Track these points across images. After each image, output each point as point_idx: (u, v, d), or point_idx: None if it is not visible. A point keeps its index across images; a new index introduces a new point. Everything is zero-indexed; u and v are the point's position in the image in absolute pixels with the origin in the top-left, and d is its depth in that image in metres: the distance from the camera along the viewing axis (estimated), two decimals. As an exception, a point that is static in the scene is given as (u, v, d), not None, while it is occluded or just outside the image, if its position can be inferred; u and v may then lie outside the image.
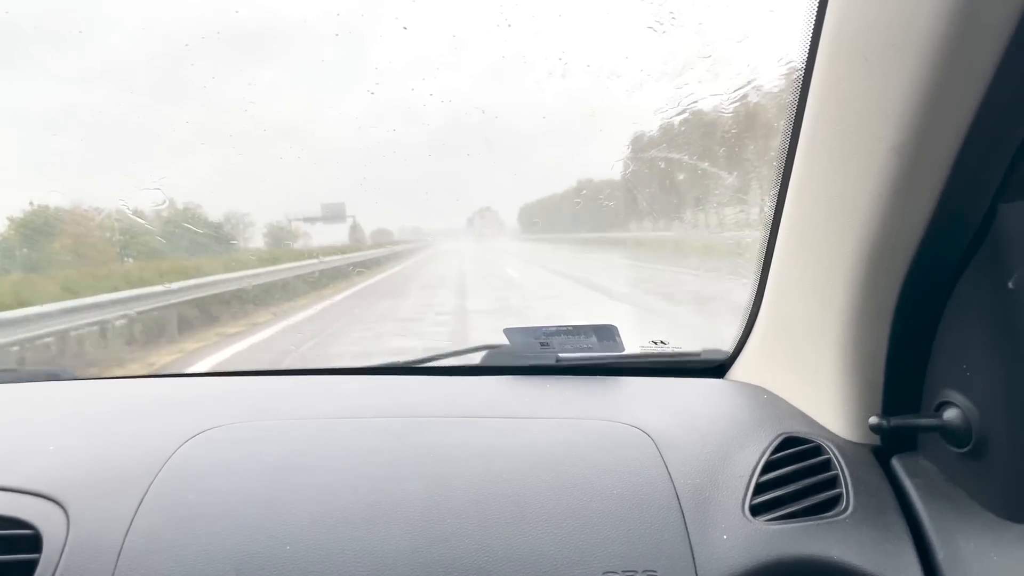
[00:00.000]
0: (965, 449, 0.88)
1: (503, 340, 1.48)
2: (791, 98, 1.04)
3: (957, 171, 0.77)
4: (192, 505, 0.98)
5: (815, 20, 0.93)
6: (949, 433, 0.90)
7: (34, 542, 0.93)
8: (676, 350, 1.49)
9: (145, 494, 1.00)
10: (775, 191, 1.16)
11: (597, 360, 1.44)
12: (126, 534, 0.94)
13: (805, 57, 0.97)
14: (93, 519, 0.96)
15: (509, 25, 1.53)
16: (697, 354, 1.50)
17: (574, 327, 1.43)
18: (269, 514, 0.96)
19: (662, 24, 1.41)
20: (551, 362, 1.45)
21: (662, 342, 1.50)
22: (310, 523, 0.95)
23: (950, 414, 0.90)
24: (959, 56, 0.70)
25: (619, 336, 1.41)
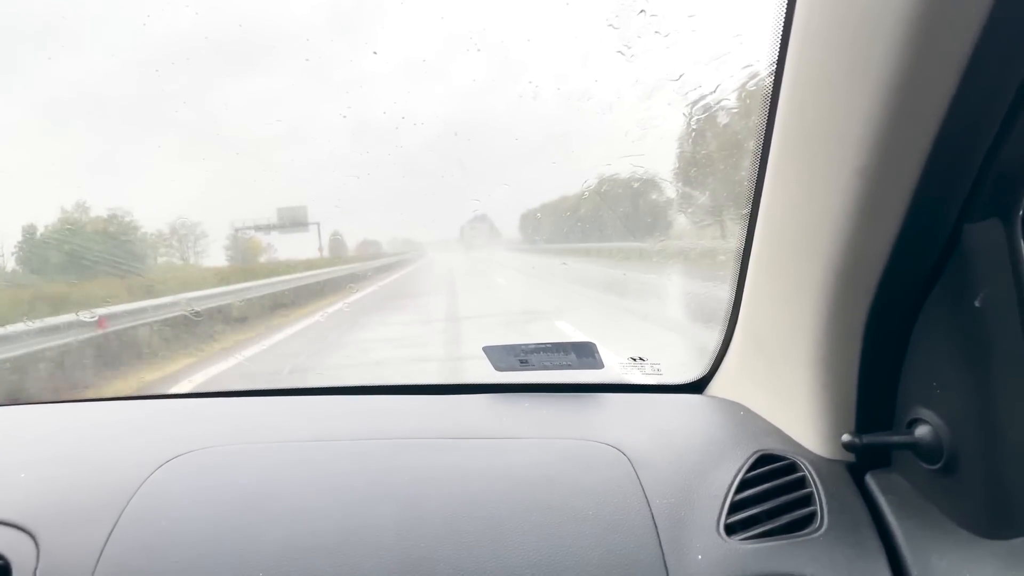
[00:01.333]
0: (937, 466, 0.89)
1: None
2: (759, 120, 1.05)
3: (921, 192, 0.78)
4: (164, 532, 0.97)
5: (780, 45, 0.95)
6: (921, 450, 0.91)
7: (3, 572, 0.92)
8: (654, 371, 1.50)
9: (117, 522, 0.98)
10: (747, 210, 1.17)
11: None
12: (96, 563, 0.92)
13: (771, 80, 0.99)
14: (63, 548, 0.95)
15: (479, 50, 1.55)
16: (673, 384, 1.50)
17: (553, 344, 1.44)
18: (242, 540, 0.95)
19: (630, 48, 1.43)
20: (529, 380, 1.45)
21: (640, 359, 1.51)
22: (283, 549, 0.93)
23: (921, 431, 0.91)
24: (920, 79, 0.71)
25: (598, 353, 1.42)
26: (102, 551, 0.94)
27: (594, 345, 1.42)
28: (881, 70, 0.73)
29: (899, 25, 0.69)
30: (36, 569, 0.92)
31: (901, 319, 0.92)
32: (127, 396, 1.54)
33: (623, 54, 1.42)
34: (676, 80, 1.44)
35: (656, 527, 0.96)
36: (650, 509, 0.99)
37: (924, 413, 0.91)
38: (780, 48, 0.94)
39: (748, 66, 1.04)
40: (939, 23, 0.67)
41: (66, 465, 1.14)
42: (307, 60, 1.76)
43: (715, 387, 1.44)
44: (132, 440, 1.24)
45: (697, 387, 1.47)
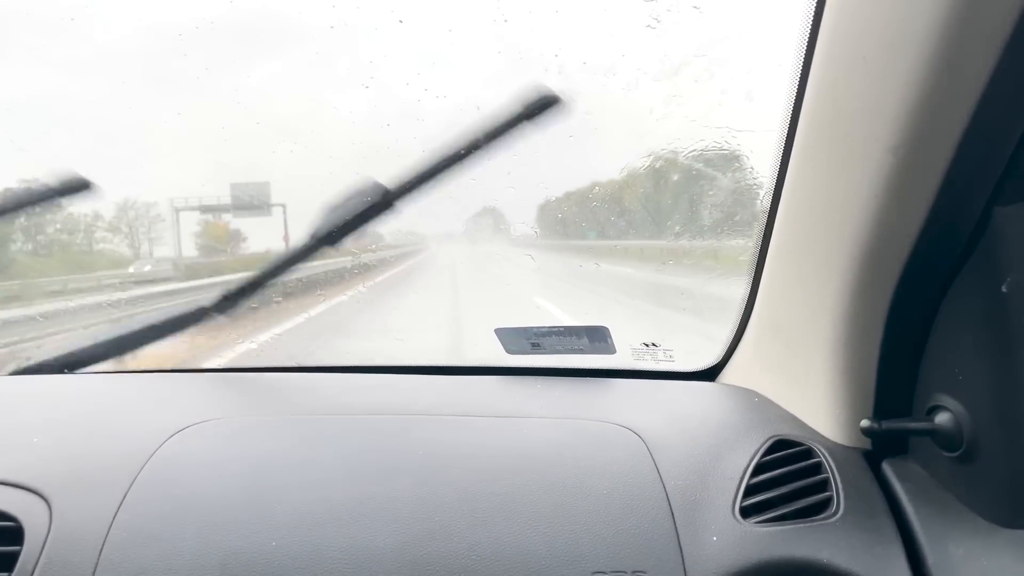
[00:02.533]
0: (956, 453, 0.88)
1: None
2: (787, 98, 1.03)
3: (953, 173, 0.76)
4: (177, 499, 0.97)
5: (812, 19, 0.93)
6: (940, 437, 0.90)
7: (15, 534, 0.92)
8: (667, 357, 1.50)
9: (130, 488, 0.98)
10: (769, 192, 1.16)
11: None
12: (109, 527, 0.93)
13: (802, 56, 0.97)
14: (76, 512, 0.95)
15: (505, 20, 1.52)
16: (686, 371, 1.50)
17: (566, 328, 1.43)
18: (255, 510, 0.95)
19: (659, 22, 1.40)
20: (542, 363, 1.45)
21: (653, 344, 1.50)
22: (297, 519, 0.94)
23: (941, 418, 0.90)
24: (957, 56, 0.69)
25: (611, 338, 1.41)
26: (115, 516, 0.94)
27: (607, 329, 1.41)
28: (920, 45, 0.71)
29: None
30: (48, 532, 0.92)
31: (925, 303, 0.91)
32: (141, 369, 1.54)
33: (652, 28, 1.39)
34: (703, 56, 1.42)
35: (671, 507, 0.96)
36: (665, 489, 0.99)
37: (944, 400, 0.90)
38: (813, 22, 0.93)
39: (779, 42, 1.02)
40: None
41: (80, 432, 1.15)
42: (332, 28, 1.74)
43: (728, 375, 1.43)
44: (146, 410, 1.25)
45: (710, 375, 1.47)
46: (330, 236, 1.32)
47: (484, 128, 1.25)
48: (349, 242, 1.32)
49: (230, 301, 1.42)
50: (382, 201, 1.29)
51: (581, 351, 1.43)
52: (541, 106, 1.23)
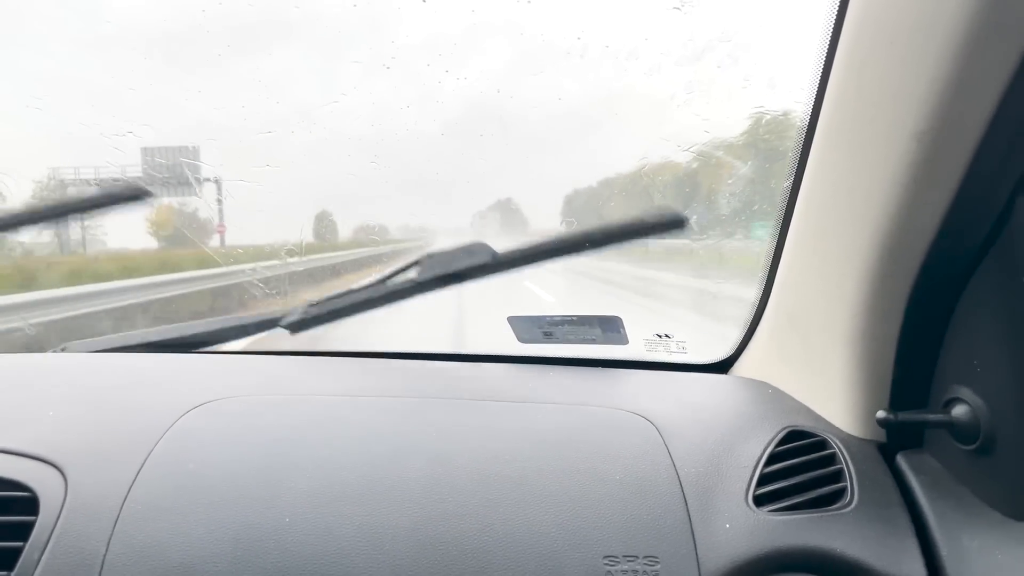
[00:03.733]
0: (972, 446, 0.87)
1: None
2: (811, 82, 1.02)
3: (978, 161, 0.75)
4: (191, 474, 0.98)
5: (839, 3, 0.92)
6: (957, 430, 0.89)
7: (31, 505, 0.93)
8: (679, 349, 1.49)
9: (145, 461, 0.99)
10: (788, 181, 1.15)
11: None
12: (124, 500, 0.93)
13: (827, 41, 0.96)
14: (91, 484, 0.96)
15: (529, 1, 1.52)
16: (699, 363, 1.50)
17: (579, 317, 1.43)
18: (269, 486, 0.96)
19: (685, 4, 1.39)
20: (554, 352, 1.45)
21: (666, 336, 1.50)
22: (309, 496, 0.94)
23: (958, 410, 0.89)
24: (986, 41, 0.68)
25: (623, 328, 1.41)
26: (129, 489, 0.95)
27: (620, 320, 1.41)
28: (949, 29, 0.70)
29: None
30: (64, 503, 0.93)
31: (945, 294, 0.90)
32: (158, 349, 1.55)
33: (679, 9, 1.38)
34: (727, 41, 1.41)
35: (684, 494, 0.96)
36: (678, 476, 0.98)
37: (962, 392, 0.89)
38: (840, 5, 0.91)
39: (804, 25, 1.01)
40: None
41: (95, 407, 1.16)
42: (355, 6, 1.74)
43: (741, 367, 1.43)
44: (162, 387, 1.25)
45: (723, 367, 1.47)
46: (430, 283, 1.30)
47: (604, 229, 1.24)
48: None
49: (306, 323, 1.40)
50: (492, 263, 1.27)
51: (593, 341, 1.43)
52: (668, 224, 1.21)
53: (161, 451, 1.02)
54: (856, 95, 0.90)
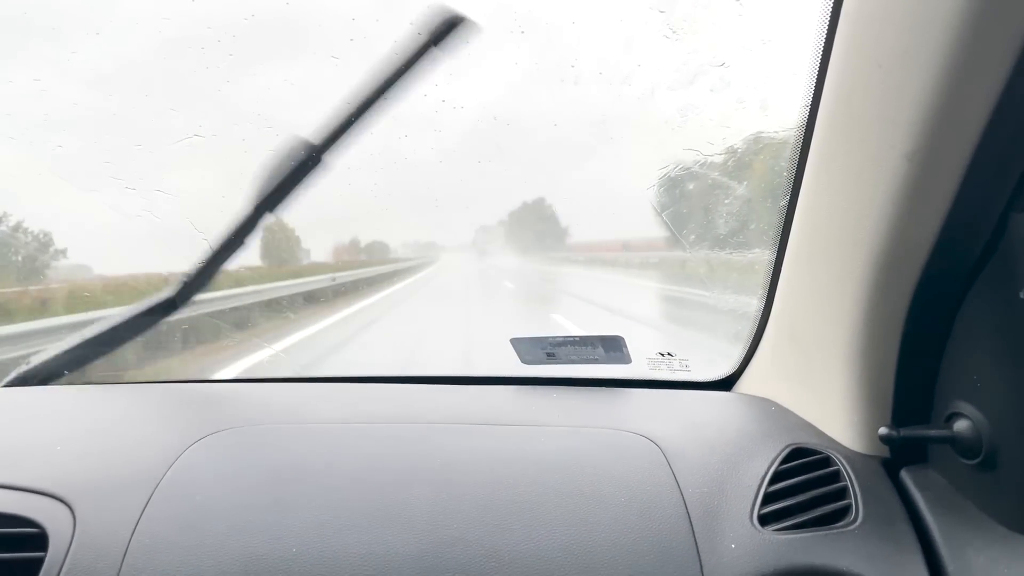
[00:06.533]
0: (975, 461, 0.87)
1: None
2: (802, 105, 1.04)
3: (970, 179, 0.76)
4: (199, 506, 0.98)
5: (828, 27, 0.93)
6: (959, 444, 0.90)
7: (40, 540, 0.93)
8: (683, 367, 1.49)
9: (152, 494, 1.00)
10: (784, 200, 1.16)
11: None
12: (132, 533, 0.94)
13: (817, 64, 0.98)
14: (99, 518, 0.96)
15: (522, 32, 1.54)
16: (702, 381, 1.50)
17: (581, 338, 1.43)
18: (276, 516, 0.96)
19: (675, 32, 1.41)
20: (557, 373, 1.45)
21: (669, 354, 1.50)
22: (317, 526, 0.94)
23: (960, 425, 0.89)
24: (973, 62, 0.70)
25: (626, 347, 1.41)
26: (137, 522, 0.95)
27: (622, 339, 1.41)
28: (936, 52, 0.71)
29: (955, 7, 0.68)
30: (72, 538, 0.93)
31: (943, 310, 0.90)
32: (162, 380, 1.56)
33: (668, 38, 1.40)
34: (720, 66, 1.43)
35: (689, 515, 0.96)
36: (683, 497, 0.99)
37: (963, 407, 0.89)
38: (828, 30, 0.93)
39: (794, 50, 1.03)
40: (995, 5, 0.66)
41: (102, 440, 1.16)
42: (351, 40, 1.76)
43: (744, 384, 1.43)
44: (167, 419, 1.26)
45: (726, 384, 1.46)
46: (269, 201, 1.33)
47: (395, 62, 1.26)
48: (286, 206, 1.32)
49: (188, 289, 1.43)
50: (310, 157, 1.30)
51: (596, 361, 1.43)
52: (446, 29, 1.24)
53: (168, 484, 1.02)
54: (847, 117, 0.92)
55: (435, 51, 1.25)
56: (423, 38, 1.24)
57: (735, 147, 1.61)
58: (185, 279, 1.42)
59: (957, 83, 0.71)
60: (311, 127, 1.28)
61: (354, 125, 1.28)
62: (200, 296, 1.46)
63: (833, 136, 0.97)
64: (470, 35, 1.24)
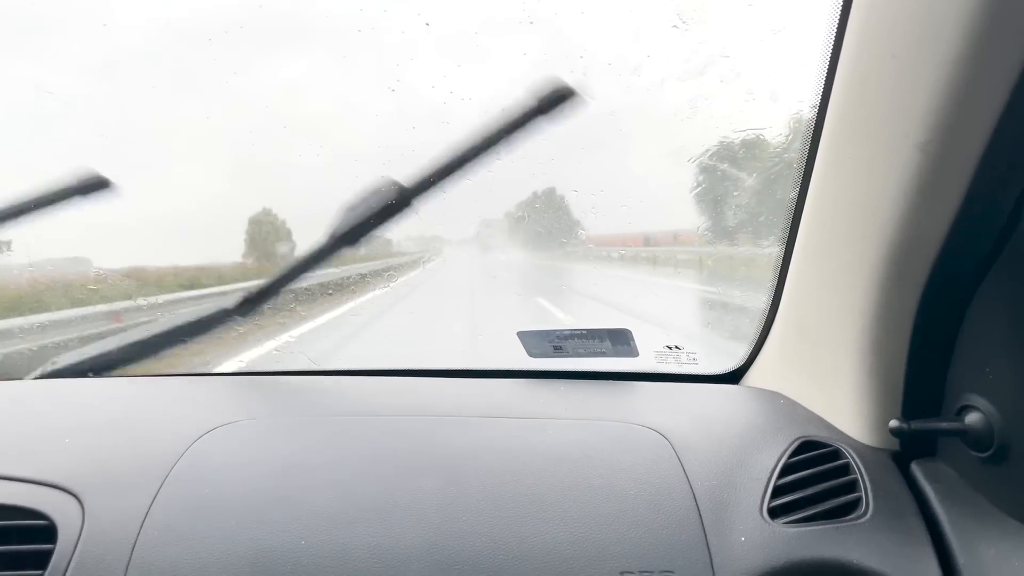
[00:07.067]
0: (986, 454, 0.87)
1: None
2: (814, 95, 1.03)
3: (983, 170, 0.76)
4: (207, 498, 0.98)
5: (840, 17, 0.93)
6: (970, 437, 0.89)
7: (49, 533, 0.93)
8: (690, 360, 1.49)
9: (160, 487, 1.00)
10: (795, 192, 1.16)
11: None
12: (141, 526, 0.94)
13: (829, 54, 0.97)
14: (108, 511, 0.96)
15: (531, 22, 1.53)
16: (710, 374, 1.50)
17: (588, 331, 1.43)
18: (284, 509, 0.96)
19: (685, 22, 1.40)
20: (564, 367, 1.45)
21: (676, 347, 1.50)
22: (325, 518, 0.94)
23: (971, 418, 0.89)
24: (987, 52, 0.69)
25: (633, 340, 1.41)
26: (146, 514, 0.95)
27: (630, 332, 1.41)
28: (950, 41, 0.70)
29: None
30: (81, 530, 0.93)
31: (954, 302, 0.90)
32: (170, 373, 1.57)
33: (678, 28, 1.39)
34: (728, 56, 1.42)
35: (698, 508, 0.96)
36: (692, 490, 0.98)
37: (974, 400, 0.89)
38: (840, 19, 0.92)
39: (806, 40, 1.02)
40: None
41: (111, 433, 1.16)
42: (359, 31, 1.76)
43: (752, 377, 1.42)
44: (175, 412, 1.26)
45: (734, 377, 1.46)
46: (348, 236, 1.33)
47: (500, 123, 1.26)
48: (367, 241, 1.32)
49: (250, 304, 1.43)
50: (400, 199, 1.29)
51: (603, 354, 1.43)
52: (555, 99, 1.24)
53: (176, 476, 1.02)
54: (860, 107, 0.91)
55: (542, 120, 1.26)
56: (531, 103, 1.25)
57: (745, 137, 1.60)
58: (246, 295, 1.43)
59: (972, 72, 0.71)
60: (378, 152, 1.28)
61: (449, 178, 1.29)
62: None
63: (845, 126, 0.96)
64: (577, 107, 1.25)
